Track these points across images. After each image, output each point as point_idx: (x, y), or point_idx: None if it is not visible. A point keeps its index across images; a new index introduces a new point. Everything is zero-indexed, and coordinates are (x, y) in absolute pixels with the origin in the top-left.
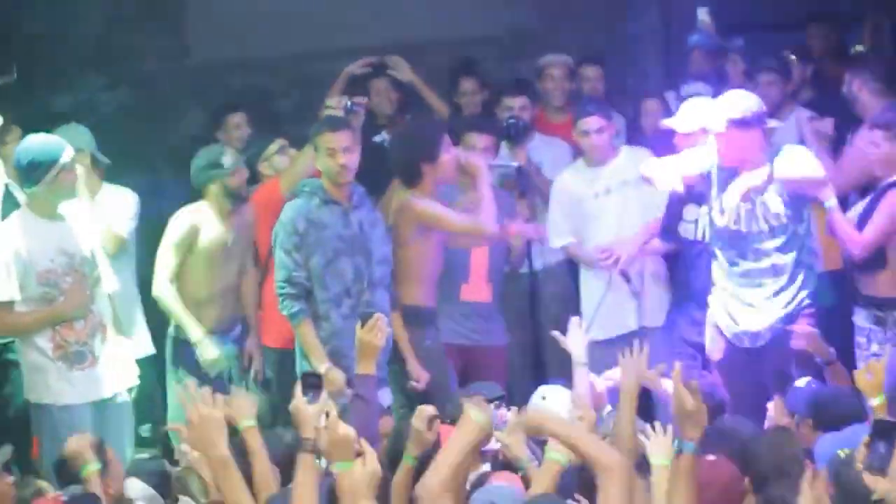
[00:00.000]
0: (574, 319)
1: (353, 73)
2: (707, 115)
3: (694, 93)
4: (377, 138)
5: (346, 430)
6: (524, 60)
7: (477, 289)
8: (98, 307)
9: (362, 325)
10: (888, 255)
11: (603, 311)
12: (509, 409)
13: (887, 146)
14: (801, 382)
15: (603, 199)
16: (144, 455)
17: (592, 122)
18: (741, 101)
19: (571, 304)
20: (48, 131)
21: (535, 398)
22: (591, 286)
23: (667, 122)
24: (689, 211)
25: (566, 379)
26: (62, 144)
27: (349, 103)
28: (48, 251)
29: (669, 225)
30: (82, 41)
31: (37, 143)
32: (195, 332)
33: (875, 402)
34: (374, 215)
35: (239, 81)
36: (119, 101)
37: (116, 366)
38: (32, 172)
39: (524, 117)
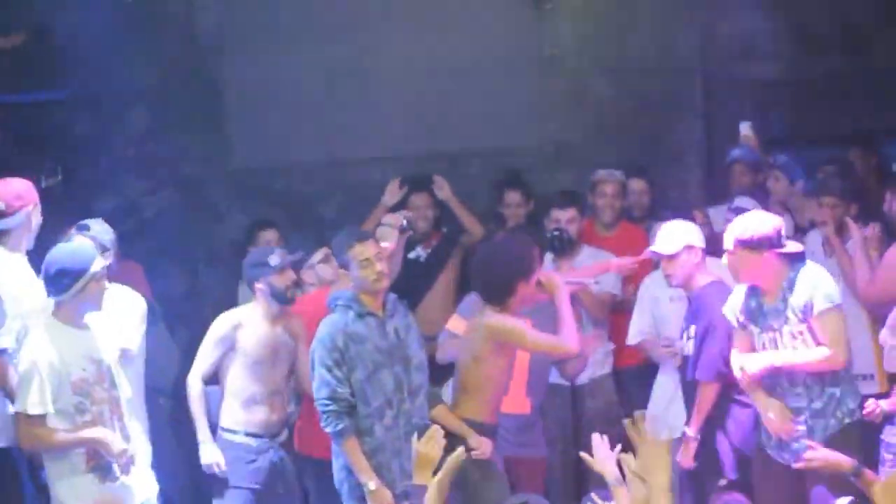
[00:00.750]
0: (595, 436)
1: (390, 204)
2: (687, 234)
3: (742, 206)
4: (412, 254)
5: None
6: (566, 172)
7: (516, 401)
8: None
9: (419, 437)
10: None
11: (673, 410)
12: None
13: None
14: (843, 502)
15: (677, 303)
16: None
17: None
18: (752, 224)
19: (615, 419)
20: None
21: None
22: (663, 385)
23: (652, 250)
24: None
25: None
26: (93, 253)
27: (405, 222)
28: (79, 360)
29: None
30: (126, 144)
31: (67, 251)
32: (203, 433)
33: None
34: (408, 320)
35: (280, 185)
36: (160, 204)
37: (140, 476)
38: (61, 281)
39: (571, 230)
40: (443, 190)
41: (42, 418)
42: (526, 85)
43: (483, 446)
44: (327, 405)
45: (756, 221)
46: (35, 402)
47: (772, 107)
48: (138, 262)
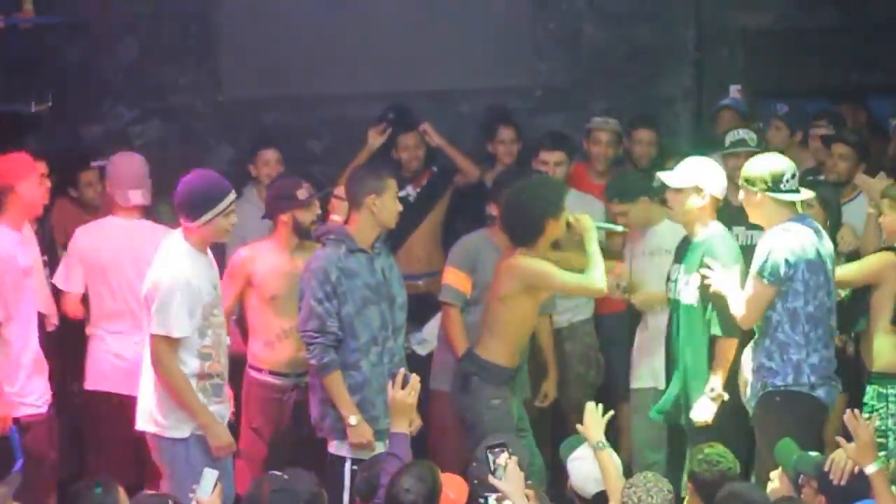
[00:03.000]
0: (590, 405)
1: (375, 147)
2: (702, 175)
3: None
4: (401, 193)
5: None
6: (555, 115)
7: None
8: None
9: (393, 384)
10: (871, 319)
11: (659, 359)
12: (510, 457)
13: (892, 215)
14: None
15: (647, 258)
16: None
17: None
18: (756, 162)
19: (593, 363)
20: None
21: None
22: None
23: (661, 175)
24: (672, 269)
25: None
26: (230, 186)
27: None
28: (207, 285)
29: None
30: (116, 73)
31: (209, 178)
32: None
33: (871, 469)
34: (391, 260)
35: (269, 119)
36: (149, 134)
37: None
38: (204, 204)
39: (558, 172)
40: (432, 137)
41: (177, 342)
42: (518, 26)
43: None
44: (315, 337)
45: (761, 161)
46: (177, 325)
47: (763, 57)
48: None
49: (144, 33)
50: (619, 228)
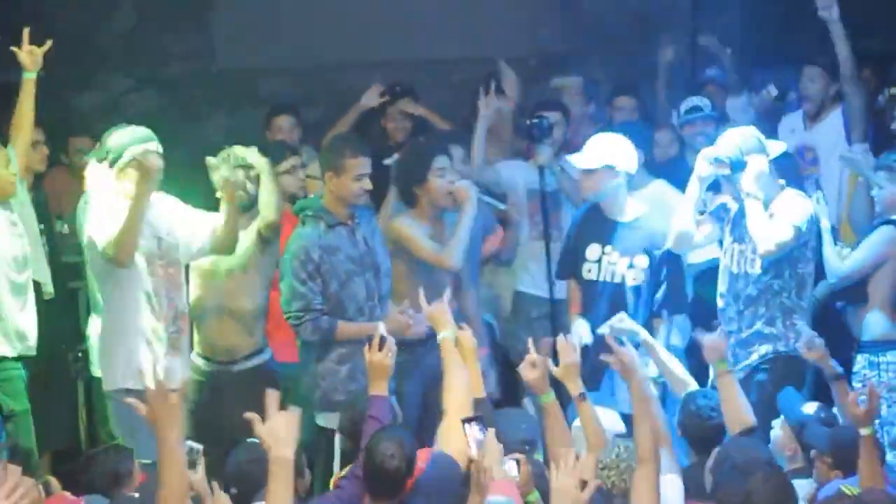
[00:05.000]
0: (562, 344)
1: (366, 107)
2: (612, 153)
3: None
4: (388, 161)
5: None
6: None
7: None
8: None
9: (370, 347)
10: (870, 292)
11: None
12: (486, 430)
13: (890, 188)
14: (810, 408)
15: None
16: None
17: None
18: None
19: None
20: None
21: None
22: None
23: (569, 159)
24: (592, 250)
25: None
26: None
27: None
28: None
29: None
30: (110, 41)
31: None
32: None
33: (864, 431)
34: (373, 224)
35: (264, 89)
36: (142, 104)
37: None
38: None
39: (556, 134)
40: (414, 108)
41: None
42: None
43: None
44: (301, 317)
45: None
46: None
47: (760, 25)
48: None
49: (139, 0)
50: (502, 206)
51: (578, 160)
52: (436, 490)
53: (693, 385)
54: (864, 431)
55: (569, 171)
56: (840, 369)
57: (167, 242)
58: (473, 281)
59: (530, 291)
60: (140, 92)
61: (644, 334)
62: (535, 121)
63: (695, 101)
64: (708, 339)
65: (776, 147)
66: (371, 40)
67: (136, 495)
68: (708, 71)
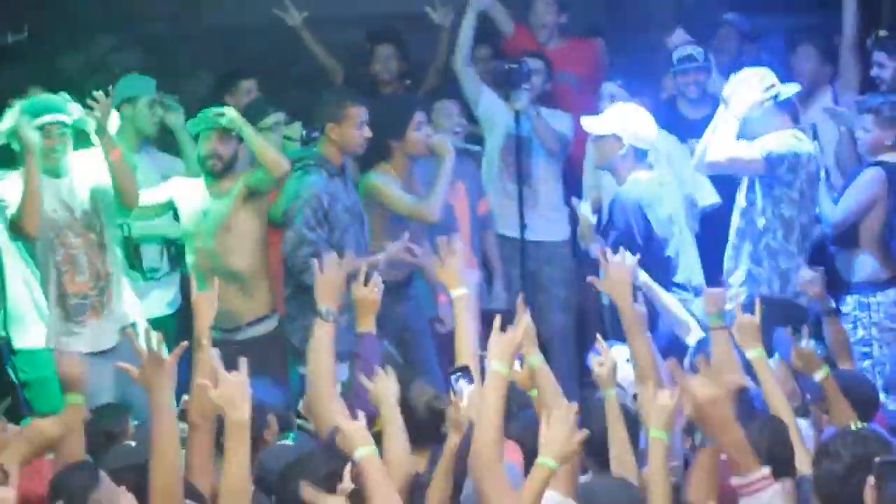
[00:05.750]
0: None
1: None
2: (623, 123)
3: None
4: None
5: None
6: None
7: None
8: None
9: (355, 283)
10: (860, 234)
11: None
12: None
13: (876, 131)
14: (787, 332)
15: None
16: None
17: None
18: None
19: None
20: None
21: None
22: None
23: (582, 120)
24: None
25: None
26: None
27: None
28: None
29: None
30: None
31: None
32: None
33: (819, 375)
34: (351, 178)
35: (249, 47)
36: (129, 62)
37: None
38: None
39: (536, 84)
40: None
41: None
42: None
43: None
44: (306, 262)
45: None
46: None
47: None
48: None
49: None
50: (476, 148)
51: (589, 123)
52: None
53: (696, 327)
54: (818, 376)
55: (545, 118)
56: (833, 304)
57: (85, 209)
58: (475, 249)
59: (502, 232)
60: (124, 52)
61: (644, 276)
62: (514, 66)
63: (688, 50)
64: (708, 292)
65: (789, 88)
66: None
67: (133, 444)
68: (727, 15)
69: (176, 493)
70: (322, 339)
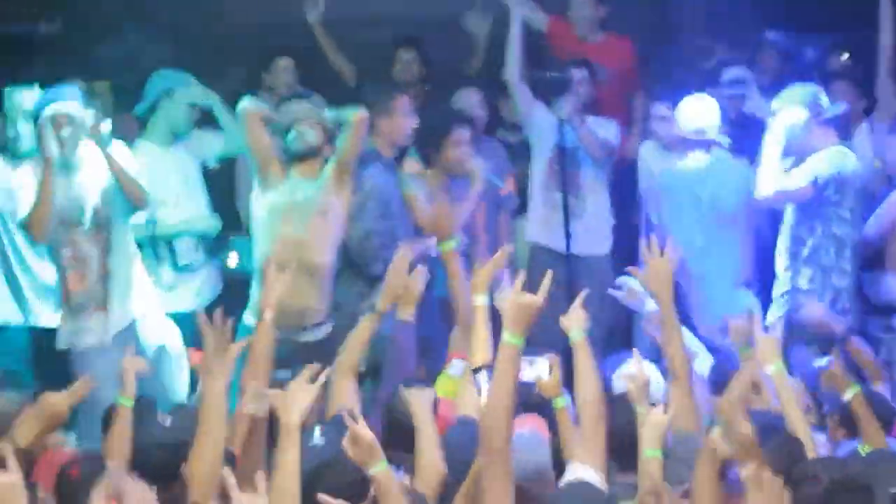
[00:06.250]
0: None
1: None
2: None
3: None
4: None
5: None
6: None
7: None
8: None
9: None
10: (887, 256)
11: None
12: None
13: None
14: (822, 363)
15: None
16: None
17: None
18: None
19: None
20: None
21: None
22: None
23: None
24: None
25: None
26: None
27: None
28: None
29: None
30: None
31: None
32: None
33: (848, 394)
34: None
35: (277, 44)
36: (160, 56)
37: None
38: None
39: (581, 91)
40: None
41: None
42: None
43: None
44: (378, 253)
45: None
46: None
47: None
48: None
49: None
50: (500, 185)
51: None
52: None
53: (704, 352)
54: (769, 369)
55: (593, 128)
56: (844, 328)
57: (96, 208)
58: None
59: (547, 244)
60: (157, 44)
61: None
62: (557, 74)
63: (736, 71)
64: (733, 322)
65: (835, 107)
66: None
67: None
68: (767, 33)
69: (215, 483)
70: (364, 332)
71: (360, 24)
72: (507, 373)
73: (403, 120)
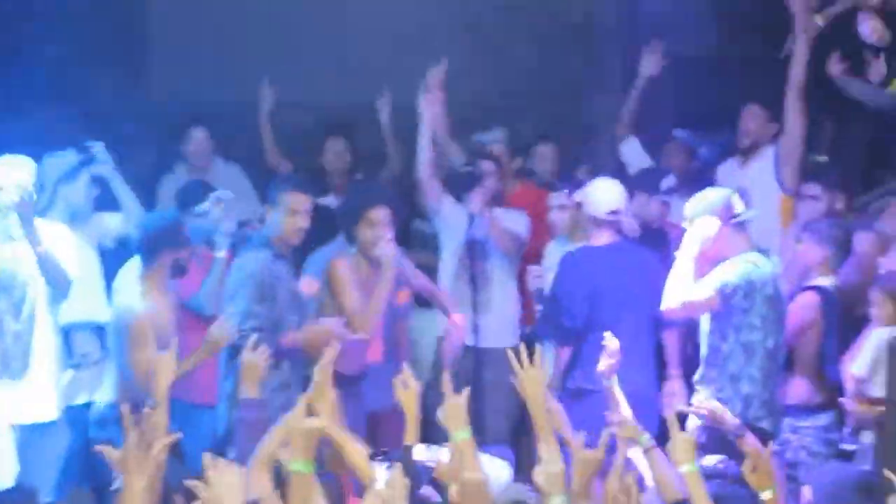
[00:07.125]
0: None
1: None
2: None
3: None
4: (324, 200)
5: None
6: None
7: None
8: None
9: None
10: (795, 358)
11: None
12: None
13: (812, 247)
14: (710, 461)
15: None
16: None
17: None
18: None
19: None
20: None
21: None
22: None
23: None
24: None
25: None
26: None
27: None
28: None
29: None
30: (38, 72)
31: None
32: None
33: (766, 495)
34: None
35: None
36: (67, 136)
37: None
38: None
39: (488, 184)
40: None
41: None
42: (449, 46)
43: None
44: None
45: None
46: None
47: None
48: None
49: (65, 30)
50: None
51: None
52: None
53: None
54: (765, 496)
55: (499, 218)
56: (737, 422)
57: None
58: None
59: None
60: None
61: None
62: (468, 168)
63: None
64: (613, 417)
65: (748, 213)
66: (307, 81)
67: None
68: (675, 131)
69: None
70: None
71: (298, 108)
72: None
73: (286, 217)
